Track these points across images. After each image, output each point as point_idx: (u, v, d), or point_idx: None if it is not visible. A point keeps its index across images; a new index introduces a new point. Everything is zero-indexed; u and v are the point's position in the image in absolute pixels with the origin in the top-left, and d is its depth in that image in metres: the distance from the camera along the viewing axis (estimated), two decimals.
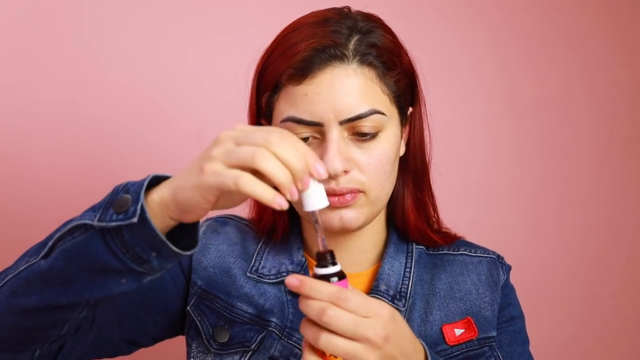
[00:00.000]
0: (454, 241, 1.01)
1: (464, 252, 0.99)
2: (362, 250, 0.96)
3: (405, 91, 0.91)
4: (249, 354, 0.90)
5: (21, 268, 0.74)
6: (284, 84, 0.86)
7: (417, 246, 0.98)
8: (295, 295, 0.92)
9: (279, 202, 0.64)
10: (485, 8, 1.65)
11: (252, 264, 0.95)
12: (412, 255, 0.97)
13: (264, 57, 0.90)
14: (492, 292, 0.96)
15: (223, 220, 1.00)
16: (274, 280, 0.93)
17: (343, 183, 0.85)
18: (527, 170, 1.68)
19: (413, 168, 0.96)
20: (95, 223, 0.68)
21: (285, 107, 0.86)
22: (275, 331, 0.91)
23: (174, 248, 0.69)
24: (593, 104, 1.72)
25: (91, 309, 0.76)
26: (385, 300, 0.91)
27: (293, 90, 0.84)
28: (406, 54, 0.92)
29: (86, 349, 0.84)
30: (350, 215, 0.86)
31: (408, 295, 0.93)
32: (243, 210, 1.00)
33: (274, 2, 1.45)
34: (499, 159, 1.66)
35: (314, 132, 0.86)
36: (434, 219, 1.00)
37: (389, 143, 0.87)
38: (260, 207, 0.97)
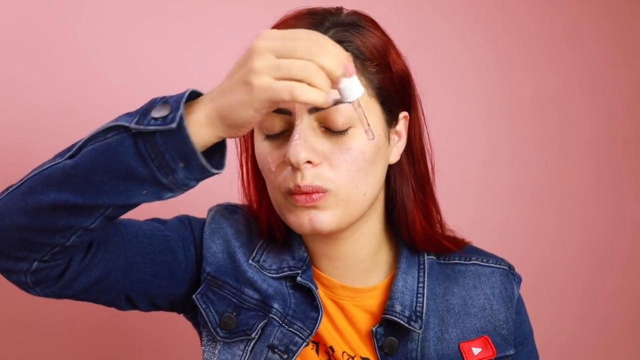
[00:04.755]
0: (463, 246, 0.98)
1: (476, 262, 0.97)
2: (359, 260, 0.92)
3: (392, 89, 0.86)
4: (252, 342, 0.88)
5: (44, 167, 0.73)
6: None
7: (427, 257, 0.95)
8: (297, 289, 0.91)
9: (328, 102, 0.70)
10: (485, 8, 1.64)
11: (253, 255, 0.92)
12: (424, 268, 0.94)
13: None
14: (506, 309, 0.94)
15: (233, 209, 0.97)
16: (274, 275, 0.91)
17: (309, 178, 0.80)
18: (526, 170, 1.67)
19: (416, 176, 0.93)
20: (133, 125, 0.68)
21: None
22: (276, 318, 0.88)
23: (203, 161, 0.68)
24: (592, 104, 1.72)
25: (103, 223, 0.73)
26: (402, 322, 0.89)
27: None
28: (398, 56, 0.88)
29: (87, 286, 0.81)
30: (320, 217, 0.82)
31: (423, 314, 0.90)
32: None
33: (273, 2, 1.45)
34: (498, 159, 1.66)
35: (286, 124, 0.82)
36: (438, 223, 0.97)
37: (365, 139, 0.82)
38: (254, 211, 0.95)
